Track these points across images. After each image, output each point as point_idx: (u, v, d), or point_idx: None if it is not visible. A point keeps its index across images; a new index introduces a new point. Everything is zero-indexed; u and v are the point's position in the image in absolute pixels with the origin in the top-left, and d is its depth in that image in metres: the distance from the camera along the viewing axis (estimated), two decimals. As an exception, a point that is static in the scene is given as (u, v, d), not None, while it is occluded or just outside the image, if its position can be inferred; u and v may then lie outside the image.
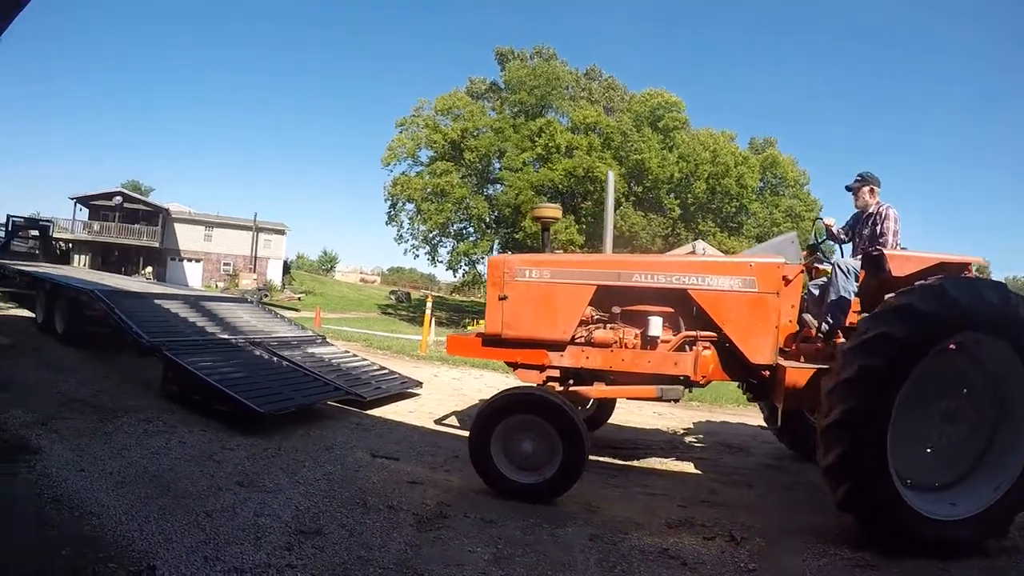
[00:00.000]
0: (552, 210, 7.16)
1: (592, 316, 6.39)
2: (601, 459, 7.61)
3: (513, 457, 5.79)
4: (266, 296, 37.71)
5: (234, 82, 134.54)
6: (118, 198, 52.45)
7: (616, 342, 6.19)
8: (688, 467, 7.67)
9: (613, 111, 53.99)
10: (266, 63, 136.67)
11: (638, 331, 6.21)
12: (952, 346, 5.08)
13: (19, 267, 16.57)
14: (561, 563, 4.36)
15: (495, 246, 45.64)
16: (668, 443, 8.98)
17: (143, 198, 58.47)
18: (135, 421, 6.91)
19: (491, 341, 6.45)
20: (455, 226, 50.79)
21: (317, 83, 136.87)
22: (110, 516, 4.41)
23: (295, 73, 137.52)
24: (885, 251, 5.87)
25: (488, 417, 5.79)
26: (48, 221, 28.71)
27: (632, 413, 10.83)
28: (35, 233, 25.34)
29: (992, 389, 5.24)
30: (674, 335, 6.20)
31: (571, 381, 6.43)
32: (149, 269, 48.97)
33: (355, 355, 11.82)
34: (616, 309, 6.30)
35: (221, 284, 51.52)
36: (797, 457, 8.07)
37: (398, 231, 50.53)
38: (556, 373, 6.35)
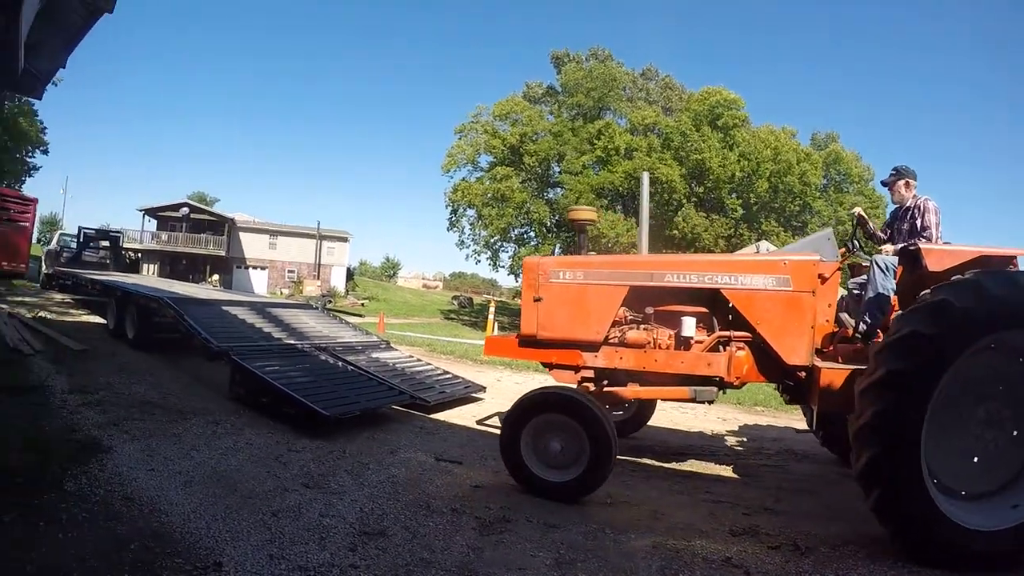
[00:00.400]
0: (588, 212, 7.21)
1: (626, 317, 6.38)
2: (666, 465, 7.55)
3: (542, 455, 5.87)
4: (330, 302, 38.32)
5: (296, 93, 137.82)
6: (185, 209, 54.26)
7: (649, 343, 6.19)
8: (753, 474, 7.50)
9: (671, 111, 53.48)
10: (327, 74, 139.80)
11: (672, 331, 6.19)
12: (992, 344, 4.78)
13: (91, 276, 17.26)
14: (623, 570, 4.30)
15: (556, 250, 45.58)
16: (733, 449, 8.83)
17: (209, 209, 60.42)
18: (203, 423, 7.08)
19: (527, 342, 6.54)
20: (516, 231, 50.90)
21: (378, 92, 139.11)
22: (178, 513, 4.52)
23: (356, 83, 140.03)
24: (921, 245, 5.62)
25: (518, 415, 5.91)
26: (118, 232, 29.77)
27: (697, 419, 10.72)
28: (106, 243, 26.29)
29: None
30: (708, 335, 6.15)
31: (605, 382, 6.48)
32: (216, 277, 50.41)
33: (419, 360, 11.89)
34: (649, 310, 6.30)
35: (286, 291, 52.68)
36: (841, 462, 7.73)
37: (459, 237, 50.90)
38: (591, 374, 6.39)
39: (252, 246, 57.38)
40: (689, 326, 6.07)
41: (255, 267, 57.11)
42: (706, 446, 8.84)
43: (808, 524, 5.53)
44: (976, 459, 4.91)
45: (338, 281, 59.11)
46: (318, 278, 56.90)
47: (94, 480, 4.95)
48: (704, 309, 6.20)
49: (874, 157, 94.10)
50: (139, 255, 49.25)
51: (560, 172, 50.88)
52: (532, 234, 49.78)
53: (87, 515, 4.29)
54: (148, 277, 29.90)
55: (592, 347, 6.31)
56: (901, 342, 4.64)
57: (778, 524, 5.45)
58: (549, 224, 49.85)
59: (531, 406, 5.93)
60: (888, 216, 6.79)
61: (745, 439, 9.58)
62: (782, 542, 5.01)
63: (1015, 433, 4.89)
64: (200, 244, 54.21)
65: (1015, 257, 5.41)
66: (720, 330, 6.11)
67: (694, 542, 4.89)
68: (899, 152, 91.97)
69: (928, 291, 4.89)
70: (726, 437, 9.65)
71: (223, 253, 54.76)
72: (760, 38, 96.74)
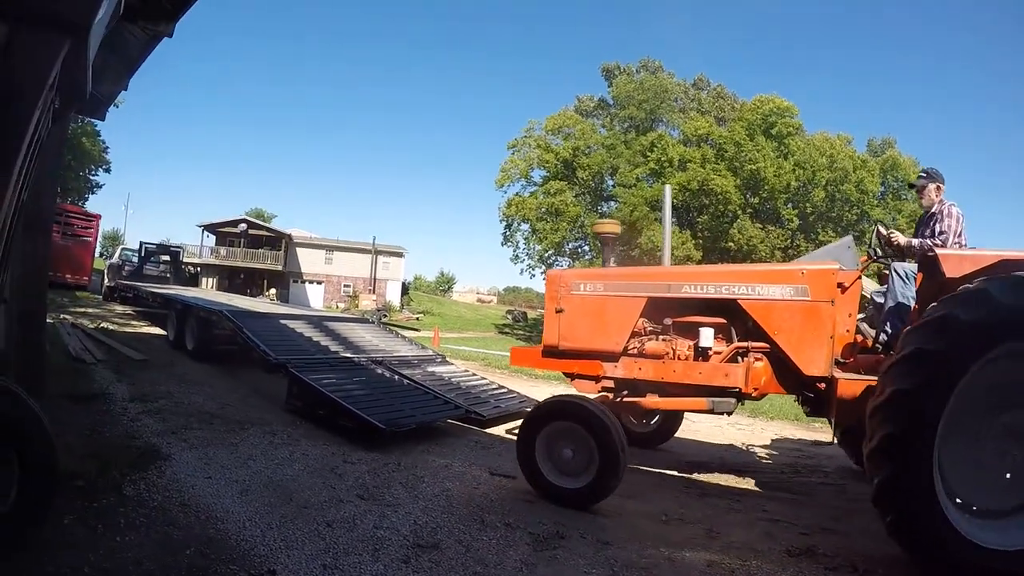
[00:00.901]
0: (611, 225, 7.53)
1: (644, 328, 6.52)
2: (722, 483, 7.43)
3: (556, 462, 5.97)
4: (385, 316, 38.76)
5: (351, 110, 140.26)
6: (243, 225, 55.63)
7: (668, 353, 6.29)
8: (811, 492, 7.32)
9: (724, 121, 52.99)
10: (381, 91, 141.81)
11: (690, 342, 6.26)
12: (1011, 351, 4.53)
13: (152, 289, 17.79)
14: None
15: (611, 264, 45.45)
16: (790, 467, 8.60)
17: (266, 224, 61.87)
18: (260, 433, 7.18)
19: (550, 352, 6.78)
20: (570, 245, 50.93)
21: (430, 109, 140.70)
22: (234, 521, 4.58)
23: (411, 100, 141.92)
24: (938, 250, 5.40)
25: (532, 422, 6.10)
26: (179, 247, 30.69)
27: (754, 435, 10.59)
28: (166, 258, 27.08)
29: None
30: (726, 346, 6.18)
31: (625, 392, 6.60)
32: (273, 291, 51.47)
33: (474, 374, 11.88)
34: (668, 321, 6.42)
35: (342, 305, 53.48)
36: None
37: (514, 251, 51.12)
38: (611, 384, 6.55)
39: (309, 261, 58.48)
40: (707, 337, 6.15)
41: (311, 281, 58.15)
42: (762, 463, 8.71)
43: (867, 545, 5.35)
44: (1001, 474, 4.69)
45: (393, 295, 59.79)
46: (374, 292, 57.62)
47: (152, 486, 5.06)
48: (722, 320, 6.23)
49: (933, 162, 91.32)
50: (198, 269, 50.69)
51: (614, 185, 50.80)
52: (587, 248, 49.72)
53: (144, 520, 4.38)
54: (207, 291, 30.69)
55: (612, 358, 6.48)
56: (906, 361, 4.52)
57: (836, 544, 5.30)
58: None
59: (544, 414, 6.12)
60: (919, 220, 6.66)
61: (802, 456, 9.37)
62: (839, 563, 4.88)
63: None
64: (258, 259, 55.46)
65: None
66: (738, 341, 6.14)
67: (750, 562, 4.78)
68: (958, 155, 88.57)
69: (936, 303, 4.72)
70: (782, 454, 9.44)
71: (280, 268, 55.91)
72: (811, 43, 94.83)
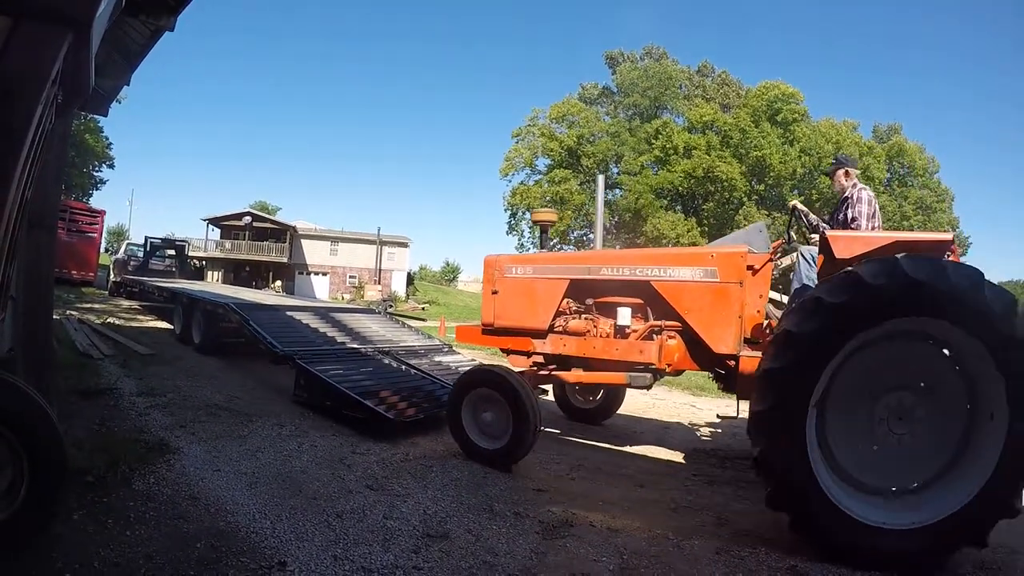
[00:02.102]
0: (548, 214, 8.00)
1: (569, 307, 7.02)
2: (731, 471, 7.40)
3: (480, 425, 6.67)
4: (391, 307, 38.81)
5: (354, 102, 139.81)
6: (247, 218, 55.61)
7: (589, 331, 6.79)
8: None
9: (729, 107, 52.96)
10: (384, 81, 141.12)
11: (610, 321, 6.71)
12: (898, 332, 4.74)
13: (158, 283, 17.82)
14: None
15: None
16: None
17: (270, 217, 61.89)
18: (268, 425, 7.20)
19: (487, 330, 7.43)
20: (575, 233, 50.98)
21: (434, 99, 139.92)
22: (244, 514, 4.59)
23: (413, 89, 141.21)
24: (829, 232, 5.56)
25: (458, 390, 6.80)
26: (184, 241, 30.72)
27: None
28: (172, 252, 27.16)
29: (964, 383, 4.71)
30: (642, 325, 6.55)
31: (553, 366, 7.13)
32: (278, 283, 51.53)
33: (481, 363, 11.85)
34: (589, 301, 6.93)
35: (347, 296, 53.53)
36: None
37: (519, 240, 51.19)
38: (540, 359, 7.11)
39: (314, 253, 58.49)
40: (624, 316, 6.57)
41: (317, 273, 58.17)
42: None
43: None
44: (886, 454, 4.84)
45: (399, 286, 59.79)
46: (379, 283, 57.64)
47: (162, 480, 5.08)
48: (639, 300, 6.60)
49: (939, 148, 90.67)
50: (203, 263, 50.77)
51: (619, 173, 50.74)
52: (591, 236, 49.76)
53: (154, 514, 4.39)
54: (212, 284, 30.74)
55: (540, 335, 7.03)
56: (776, 342, 4.76)
57: None
58: (608, 225, 49.64)
59: (468, 382, 6.79)
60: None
61: None
62: None
63: (928, 427, 4.78)
64: (263, 251, 55.49)
65: (943, 242, 5.27)
66: (653, 320, 6.50)
67: (759, 549, 4.77)
68: (965, 141, 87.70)
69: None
70: None
71: (285, 260, 55.92)
72: (816, 28, 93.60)
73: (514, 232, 52.04)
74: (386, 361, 9.92)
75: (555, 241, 49.23)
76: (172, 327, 14.42)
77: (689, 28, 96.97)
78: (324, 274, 58.48)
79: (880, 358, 4.84)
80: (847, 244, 5.26)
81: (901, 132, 53.26)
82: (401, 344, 11.31)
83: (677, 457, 7.90)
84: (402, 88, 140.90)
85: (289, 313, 11.82)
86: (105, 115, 11.13)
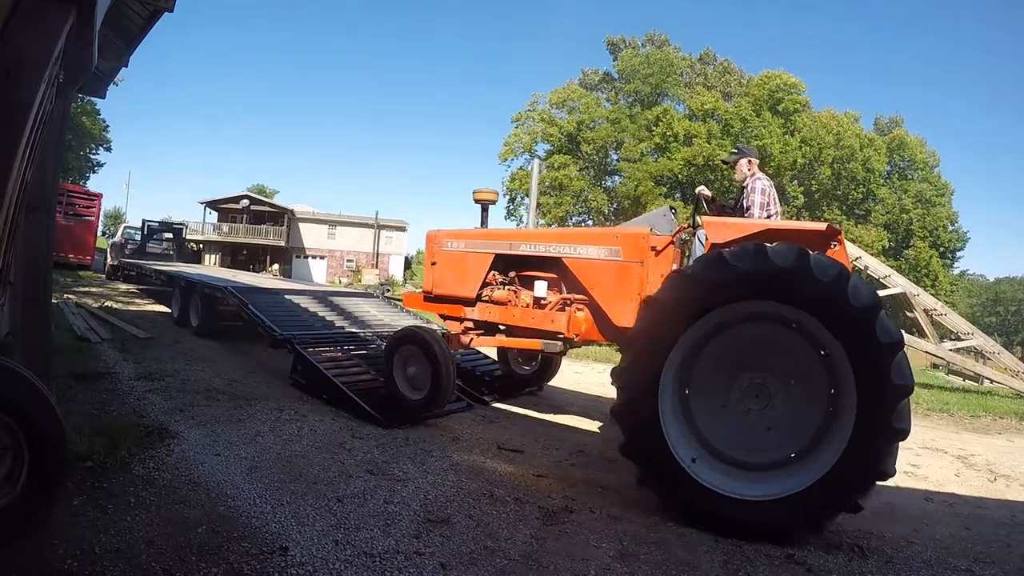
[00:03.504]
0: (489, 194, 8.27)
1: (495, 279, 7.61)
2: None
3: (407, 379, 7.48)
4: (389, 291, 38.74)
5: (352, 84, 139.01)
6: (245, 201, 55.45)
7: (510, 301, 7.42)
8: None
9: (731, 96, 52.90)
10: (382, 64, 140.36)
11: (530, 293, 7.30)
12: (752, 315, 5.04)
13: (156, 267, 17.76)
14: (686, 563, 4.26)
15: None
16: None
17: (268, 200, 61.67)
18: (267, 409, 7.18)
19: (427, 298, 8.24)
20: (574, 219, 51.03)
21: (433, 81, 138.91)
22: (244, 498, 4.59)
23: (412, 72, 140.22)
24: (706, 219, 6.02)
25: (390, 346, 7.70)
26: (181, 224, 30.65)
27: None
28: (169, 235, 27.09)
29: (825, 369, 4.83)
30: (555, 297, 7.09)
31: (480, 332, 7.78)
32: (276, 267, 51.49)
33: (477, 352, 11.66)
34: (512, 274, 7.55)
35: (344, 280, 53.49)
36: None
37: (517, 225, 51.06)
38: (471, 324, 7.77)
39: (311, 236, 58.42)
40: (540, 288, 7.17)
41: (314, 256, 58.13)
42: None
43: (874, 525, 5.38)
44: (747, 430, 5.08)
45: (396, 270, 59.82)
46: (376, 267, 57.62)
47: (161, 464, 5.07)
48: (553, 275, 7.16)
49: (941, 142, 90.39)
50: (201, 246, 50.62)
51: (618, 160, 50.65)
52: (591, 223, 49.82)
53: (155, 499, 4.39)
54: (210, 267, 30.67)
55: (470, 303, 7.74)
56: (643, 306, 5.33)
57: (841, 522, 5.23)
58: (607, 212, 49.62)
59: (397, 339, 7.65)
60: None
61: None
62: (844, 541, 4.89)
63: (788, 407, 4.99)
64: (260, 235, 55.35)
65: (811, 231, 5.69)
66: (564, 294, 7.03)
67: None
68: (968, 135, 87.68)
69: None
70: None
71: (283, 243, 55.83)
72: (818, 16, 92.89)
73: (513, 217, 51.96)
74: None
75: (542, 223, 49.14)
76: (170, 310, 14.39)
77: (691, 15, 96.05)
78: (322, 258, 58.45)
79: (745, 339, 5.12)
80: (720, 230, 5.63)
81: (902, 125, 53.30)
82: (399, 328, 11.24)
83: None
84: (401, 72, 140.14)
85: (287, 297, 11.76)
86: (103, 97, 11.04)
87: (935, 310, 17.90)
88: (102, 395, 7.08)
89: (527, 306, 7.27)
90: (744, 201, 6.78)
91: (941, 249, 50.63)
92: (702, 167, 45.83)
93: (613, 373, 5.30)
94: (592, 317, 6.83)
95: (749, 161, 7.08)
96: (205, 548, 3.74)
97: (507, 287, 7.52)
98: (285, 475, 5.18)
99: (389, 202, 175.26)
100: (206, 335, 11.90)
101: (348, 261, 58.94)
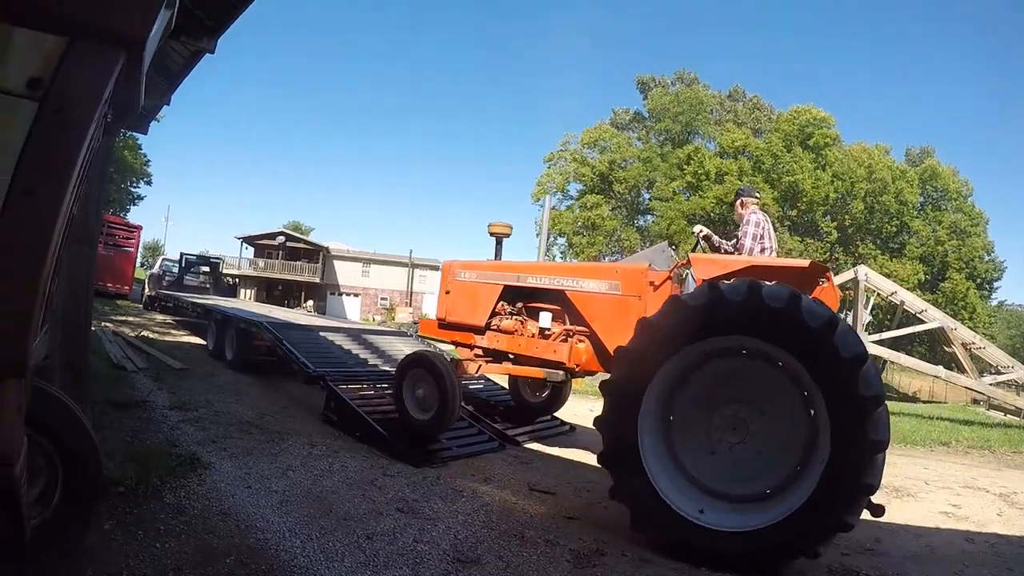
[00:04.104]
0: (502, 227, 8.61)
1: (504, 309, 8.01)
2: None
3: (416, 400, 7.70)
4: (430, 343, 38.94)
5: (386, 127, 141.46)
6: (281, 238, 56.43)
7: (517, 330, 7.79)
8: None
9: (761, 132, 52.85)
10: (416, 107, 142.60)
11: (535, 323, 7.65)
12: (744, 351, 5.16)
13: (192, 299, 18.06)
14: None
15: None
16: None
17: (304, 237, 62.63)
18: (300, 444, 7.19)
19: (441, 325, 8.63)
20: (607, 258, 50.88)
21: (466, 124, 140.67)
22: (274, 532, 4.57)
23: (446, 116, 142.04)
24: (692, 256, 6.23)
25: (401, 370, 7.91)
26: (218, 258, 31.19)
27: None
28: (206, 269, 27.58)
29: (803, 403, 4.93)
30: (558, 328, 7.46)
31: (489, 359, 8.06)
32: (310, 303, 52.04)
33: (492, 382, 11.43)
34: (519, 304, 7.91)
35: (378, 317, 53.83)
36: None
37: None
38: (480, 351, 8.11)
39: (346, 273, 59.05)
40: (545, 319, 7.52)
41: (348, 294, 58.68)
42: None
43: (911, 566, 5.27)
44: (725, 461, 5.22)
45: (430, 308, 59.99)
46: (410, 305, 57.94)
47: (192, 494, 5.08)
48: (557, 307, 7.55)
49: (973, 170, 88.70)
50: (236, 280, 51.37)
51: (650, 199, 50.70)
52: (620, 260, 49.75)
53: (184, 527, 4.40)
54: (246, 301, 31.08)
55: (480, 331, 8.10)
56: (616, 356, 5.44)
57: (878, 566, 5.18)
58: (640, 251, 49.50)
59: (407, 363, 7.88)
60: None
61: None
62: None
63: (765, 439, 5.11)
64: (295, 271, 56.10)
65: (794, 268, 5.86)
66: (568, 325, 7.42)
67: None
68: (1000, 161, 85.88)
69: None
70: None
71: (317, 280, 56.50)
72: (845, 51, 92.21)
73: (547, 257, 51.97)
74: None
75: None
76: (205, 343, 14.56)
77: (718, 52, 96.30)
78: (356, 295, 58.98)
79: (725, 373, 5.29)
80: (707, 267, 5.88)
81: (934, 155, 52.74)
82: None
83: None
84: (437, 112, 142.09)
85: (322, 333, 11.87)
86: (145, 133, 11.40)
87: (974, 343, 17.65)
88: (136, 423, 7.15)
89: (532, 336, 7.64)
90: (739, 235, 6.97)
91: (978, 280, 49.60)
92: (733, 204, 45.73)
93: (602, 387, 5.49)
94: (592, 348, 7.19)
95: (742, 202, 7.30)
96: (232, 579, 3.71)
97: (514, 317, 7.89)
98: (315, 510, 5.16)
99: (423, 241, 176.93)
100: (240, 368, 12.00)
101: (382, 299, 59.38)
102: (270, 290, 54.83)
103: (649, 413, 5.27)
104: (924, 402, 35.59)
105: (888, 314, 31.77)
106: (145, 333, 15.62)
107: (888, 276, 29.24)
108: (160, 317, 20.63)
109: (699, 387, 5.34)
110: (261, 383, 11.05)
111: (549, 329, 7.50)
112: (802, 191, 45.67)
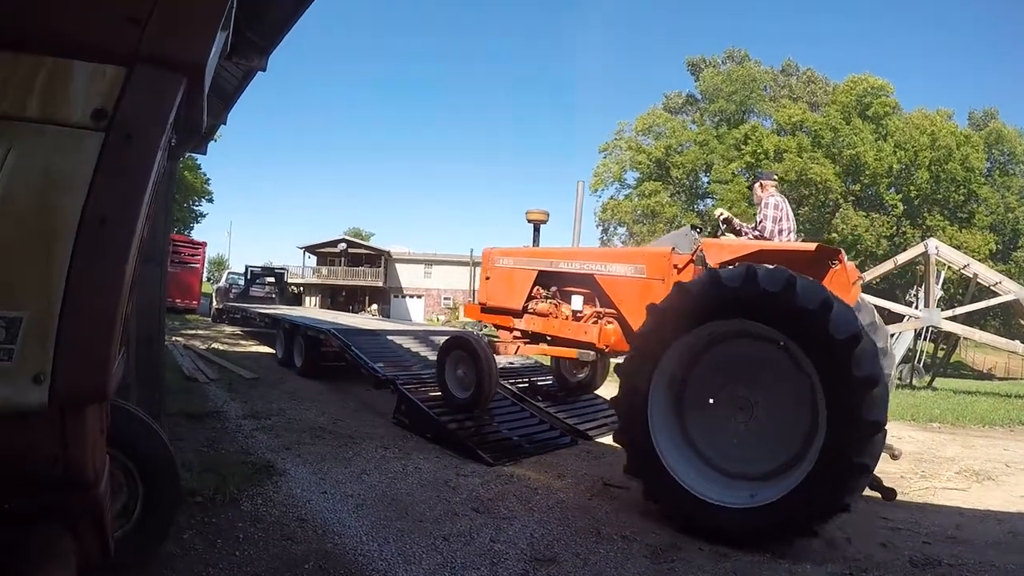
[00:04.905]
0: (539, 214, 8.97)
1: (539, 293, 8.43)
2: None
3: (456, 379, 8.31)
4: (486, 327, 39.14)
5: (441, 126, 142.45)
6: (342, 244, 57.33)
7: (551, 313, 8.22)
8: (932, 498, 6.94)
9: (817, 106, 51.44)
10: (470, 103, 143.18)
11: (569, 306, 8.02)
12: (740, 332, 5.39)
13: (260, 310, 18.47)
14: None
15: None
16: (909, 471, 8.10)
17: (365, 243, 63.57)
18: (372, 447, 7.27)
19: (483, 309, 9.12)
20: (668, 247, 50.41)
21: (520, 120, 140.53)
22: (351, 536, 4.61)
23: (499, 113, 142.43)
24: (704, 240, 6.71)
25: (441, 352, 8.53)
26: (283, 268, 31.88)
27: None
28: (271, 279, 28.24)
29: (808, 386, 4.98)
30: (589, 311, 7.82)
31: (527, 340, 8.57)
32: (374, 307, 52.73)
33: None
34: (553, 288, 8.33)
35: (442, 317, 54.26)
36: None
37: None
38: (518, 333, 8.60)
39: (408, 276, 59.67)
40: (576, 302, 7.91)
41: (411, 296, 59.27)
42: (879, 468, 8.12)
43: (993, 554, 5.04)
44: (730, 439, 5.46)
45: (492, 306, 60.30)
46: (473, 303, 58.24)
47: (269, 501, 5.17)
48: (587, 290, 7.91)
49: None
50: (301, 289, 52.44)
51: (709, 182, 49.99)
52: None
53: (262, 534, 4.47)
54: (311, 309, 31.67)
55: (517, 314, 8.57)
56: (647, 313, 5.65)
57: (960, 554, 5.00)
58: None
59: (447, 346, 8.49)
60: None
61: (921, 459, 8.87)
62: (965, 575, 4.61)
63: (772, 420, 5.30)
64: (358, 276, 56.95)
65: (800, 252, 5.95)
66: (598, 307, 7.76)
67: (870, 572, 4.57)
68: None
69: None
70: (899, 456, 8.91)
71: (380, 284, 57.24)
72: (896, 11, 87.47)
73: (608, 242, 51.71)
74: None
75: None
76: (274, 351, 14.87)
77: (766, 27, 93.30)
78: (419, 297, 59.56)
79: (734, 355, 5.56)
80: (717, 251, 6.24)
81: (998, 117, 50.30)
82: (498, 366, 11.23)
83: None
84: (489, 109, 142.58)
85: (389, 337, 12.00)
86: (204, 153, 11.69)
87: (1052, 316, 16.84)
88: (211, 433, 7.33)
89: (566, 318, 8.02)
90: (758, 218, 7.20)
91: (1054, 247, 47.20)
92: (795, 183, 44.55)
93: (615, 367, 6.02)
94: (620, 330, 7.49)
95: (761, 184, 7.53)
96: (313, 585, 3.74)
97: (549, 300, 8.30)
98: (391, 513, 5.19)
99: (484, 239, 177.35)
100: (310, 375, 12.22)
101: (445, 299, 59.81)
102: (334, 296, 55.75)
103: (659, 394, 5.57)
104: (1000, 379, 34.33)
105: (959, 288, 30.61)
106: (215, 345, 16.03)
107: (958, 248, 28.12)
108: (229, 329, 21.15)
109: (708, 370, 5.64)
110: (331, 389, 11.21)
111: (580, 311, 7.86)
112: (864, 164, 44.36)
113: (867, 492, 6.96)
